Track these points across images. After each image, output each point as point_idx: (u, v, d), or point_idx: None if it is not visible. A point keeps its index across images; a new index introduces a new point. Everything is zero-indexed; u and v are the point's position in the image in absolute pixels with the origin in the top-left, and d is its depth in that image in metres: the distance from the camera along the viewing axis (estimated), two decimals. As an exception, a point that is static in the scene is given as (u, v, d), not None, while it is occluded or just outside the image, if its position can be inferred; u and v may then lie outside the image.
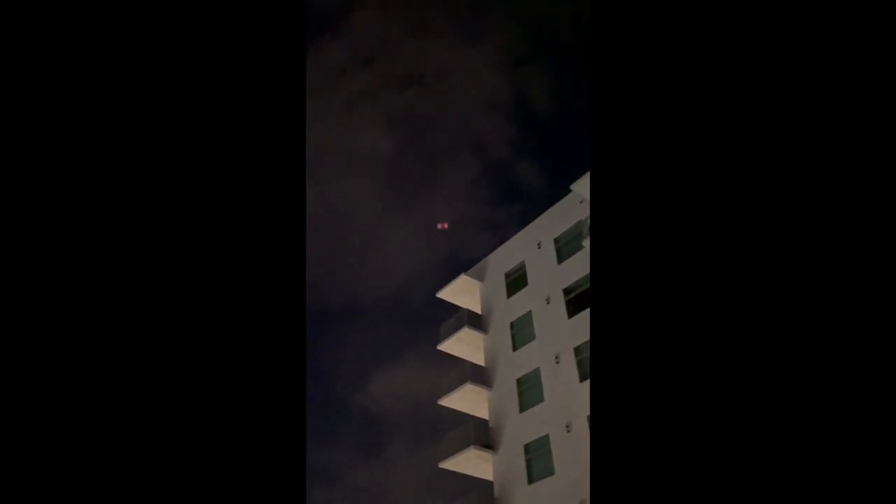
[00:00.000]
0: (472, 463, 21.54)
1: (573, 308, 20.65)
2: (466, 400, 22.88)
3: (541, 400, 20.31)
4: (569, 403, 19.18)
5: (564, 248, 22.08)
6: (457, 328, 23.94)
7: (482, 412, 22.87)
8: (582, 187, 21.12)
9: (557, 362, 20.23)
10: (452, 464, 21.66)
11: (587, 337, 19.52)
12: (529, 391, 21.01)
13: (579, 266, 20.99)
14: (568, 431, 18.79)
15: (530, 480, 19.48)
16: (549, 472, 18.90)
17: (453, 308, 25.78)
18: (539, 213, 23.85)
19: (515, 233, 24.65)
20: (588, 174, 20.39)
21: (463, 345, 24.06)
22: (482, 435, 21.73)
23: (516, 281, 23.64)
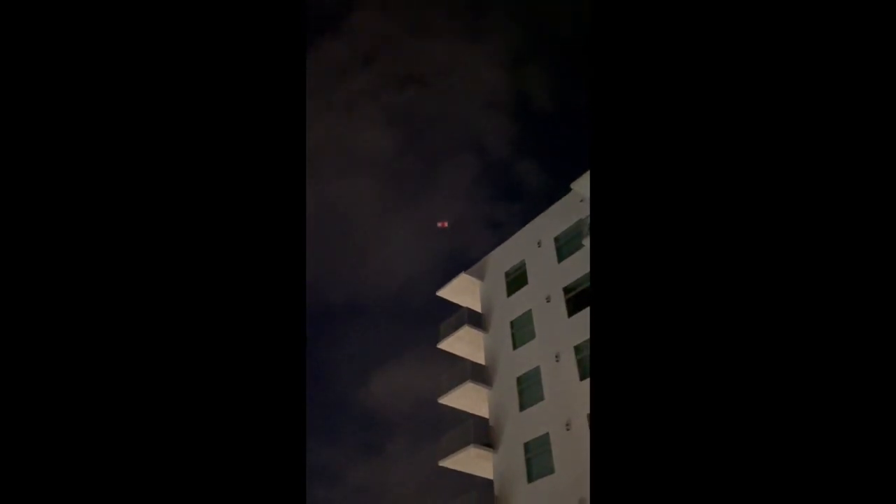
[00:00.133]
0: (472, 461, 21.56)
1: (573, 307, 20.66)
2: (466, 398, 22.90)
3: (541, 398, 20.32)
4: (569, 402, 19.20)
5: (564, 247, 22.09)
6: (457, 327, 23.95)
7: (482, 411, 22.88)
8: (582, 186, 21.13)
9: (557, 361, 20.24)
10: (452, 462, 21.69)
11: (587, 335, 19.53)
12: (529, 390, 21.03)
13: (579, 265, 21.00)
14: (568, 430, 18.81)
15: (530, 479, 19.50)
16: (549, 470, 18.91)
17: (453, 307, 25.79)
18: (539, 212, 23.86)
19: (515, 231, 24.66)
20: (588, 173, 20.39)
21: (463, 343, 24.07)
22: (482, 433, 21.75)
23: (516, 280, 23.65)
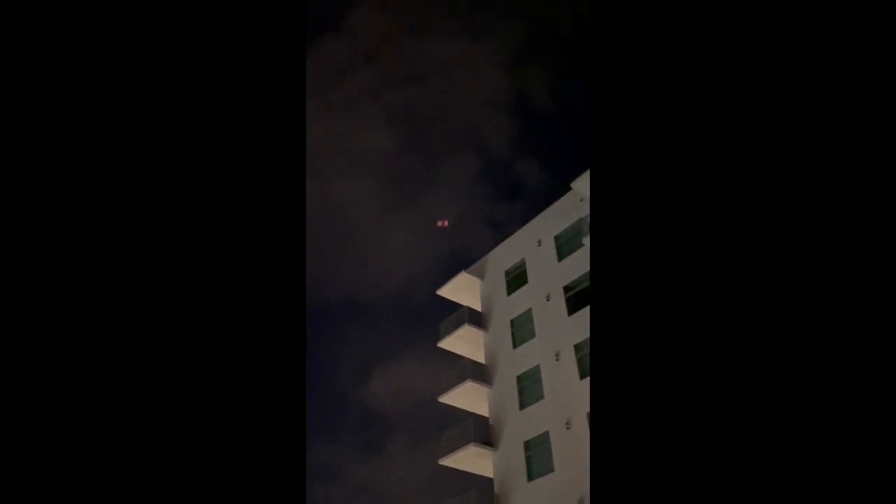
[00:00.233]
0: (472, 460, 21.58)
1: (573, 305, 20.66)
2: (466, 397, 22.91)
3: (541, 397, 20.33)
4: (569, 401, 19.20)
5: (564, 246, 22.09)
6: (457, 325, 23.97)
7: (482, 409, 22.90)
8: (582, 185, 21.14)
9: (557, 360, 20.24)
10: (452, 461, 21.70)
11: (587, 334, 19.54)
12: (529, 388, 21.04)
13: (579, 264, 21.00)
14: (568, 429, 18.82)
15: (530, 477, 19.51)
16: (549, 469, 18.93)
17: (454, 305, 25.80)
18: (539, 211, 23.87)
19: (516, 230, 24.66)
20: (588, 172, 20.39)
21: (463, 342, 24.08)
22: (482, 432, 21.77)
23: (516, 278, 23.65)
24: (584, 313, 19.93)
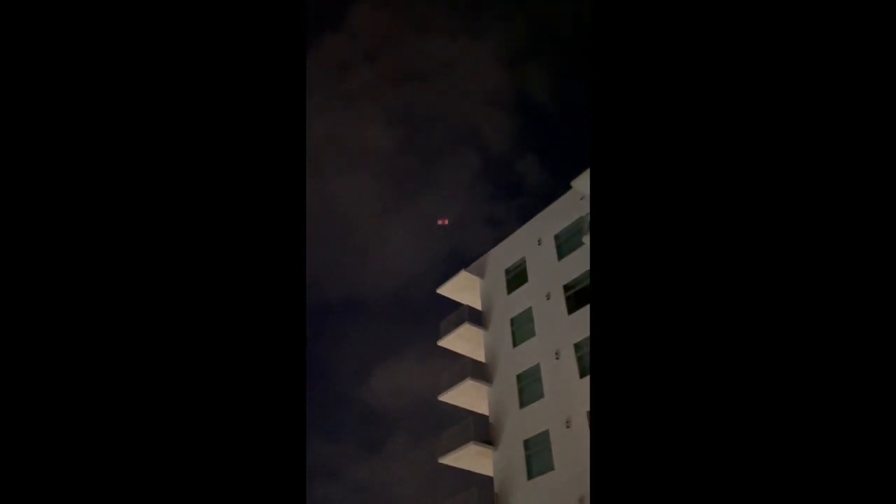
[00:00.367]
0: (471, 458, 21.58)
1: (573, 304, 20.66)
2: (466, 396, 22.91)
3: (541, 396, 20.33)
4: (569, 399, 19.21)
5: (565, 245, 22.09)
6: (457, 324, 23.96)
7: (482, 408, 22.90)
8: (582, 184, 21.12)
9: (557, 358, 20.25)
10: (452, 459, 21.70)
11: (587, 333, 19.54)
12: (529, 387, 21.04)
13: (579, 262, 21.00)
14: (568, 427, 18.83)
15: (530, 476, 19.52)
16: (549, 468, 18.94)
17: (454, 304, 25.79)
18: (539, 210, 23.85)
19: (516, 229, 24.65)
20: (588, 171, 20.39)
21: (463, 341, 24.08)
22: (482, 431, 21.77)
23: (516, 277, 23.65)
24: (584, 312, 19.93)
